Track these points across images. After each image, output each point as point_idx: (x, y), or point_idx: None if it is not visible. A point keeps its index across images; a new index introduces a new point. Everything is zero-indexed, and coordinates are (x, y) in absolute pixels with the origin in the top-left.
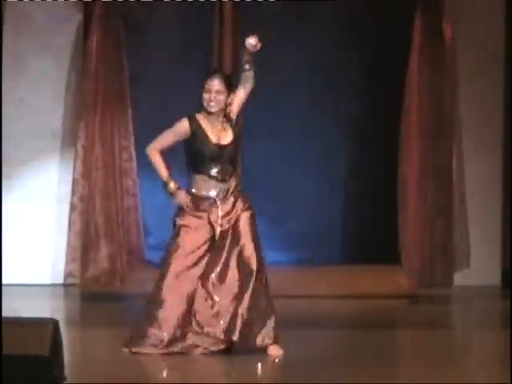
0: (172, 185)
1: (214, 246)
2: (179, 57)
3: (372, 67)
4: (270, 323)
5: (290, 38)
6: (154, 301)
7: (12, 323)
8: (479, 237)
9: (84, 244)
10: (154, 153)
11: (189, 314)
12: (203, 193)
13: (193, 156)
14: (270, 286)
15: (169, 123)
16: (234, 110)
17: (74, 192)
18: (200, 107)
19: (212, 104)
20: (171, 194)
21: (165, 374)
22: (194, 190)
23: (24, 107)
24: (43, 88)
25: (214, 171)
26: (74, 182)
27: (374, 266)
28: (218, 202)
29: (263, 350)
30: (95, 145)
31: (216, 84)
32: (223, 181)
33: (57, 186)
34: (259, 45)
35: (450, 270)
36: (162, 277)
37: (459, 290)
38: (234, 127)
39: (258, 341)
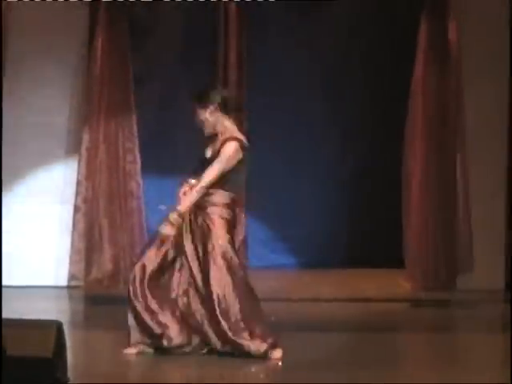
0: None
1: None
2: (184, 59)
3: (377, 70)
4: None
5: (295, 41)
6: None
7: (16, 325)
8: (483, 240)
9: (88, 246)
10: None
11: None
12: None
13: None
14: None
15: (173, 126)
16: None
17: (77, 194)
18: None
19: (205, 130)
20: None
21: (167, 376)
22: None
23: (28, 109)
24: (48, 90)
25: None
26: (78, 183)
27: (377, 270)
28: None
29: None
30: (99, 147)
31: (198, 114)
32: None
33: (61, 187)
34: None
35: (453, 273)
36: None
37: (462, 293)
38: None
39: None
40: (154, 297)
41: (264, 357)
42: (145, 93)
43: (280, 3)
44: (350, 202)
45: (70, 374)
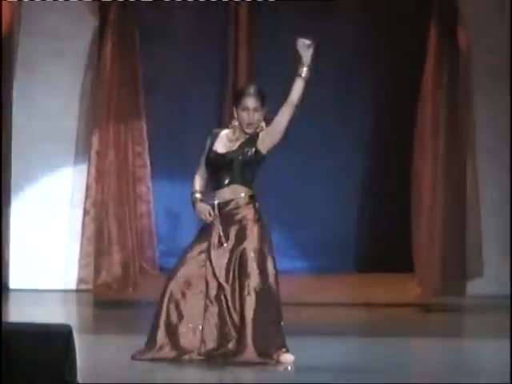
0: None
1: None
2: (194, 63)
3: (386, 76)
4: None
5: None
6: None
7: (25, 329)
8: (492, 246)
9: (97, 250)
10: None
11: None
12: None
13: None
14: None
15: (183, 129)
16: (265, 146)
17: (87, 197)
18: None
19: (250, 125)
20: None
21: (175, 381)
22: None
23: (38, 112)
24: (58, 93)
25: None
26: (88, 187)
27: (387, 275)
28: None
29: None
30: (109, 151)
31: (252, 102)
32: None
33: (70, 191)
34: (308, 44)
35: (462, 278)
36: None
37: (472, 298)
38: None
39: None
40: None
41: (276, 361)
42: (154, 97)
43: (294, 11)
44: (361, 207)
45: (79, 377)
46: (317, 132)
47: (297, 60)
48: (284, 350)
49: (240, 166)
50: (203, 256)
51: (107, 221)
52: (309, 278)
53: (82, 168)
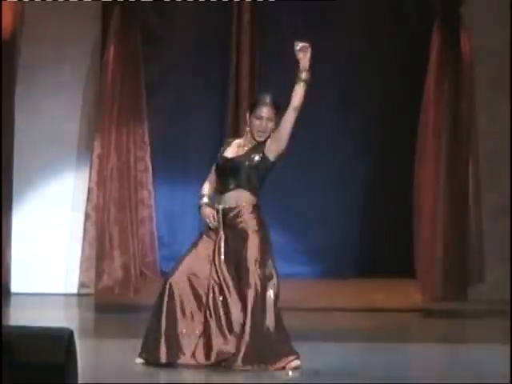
0: None
1: None
2: (196, 67)
3: (389, 80)
4: None
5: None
6: None
7: (26, 332)
8: (494, 251)
9: (98, 254)
10: None
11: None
12: None
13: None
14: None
15: (185, 134)
16: (271, 152)
17: (88, 201)
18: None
19: (261, 134)
20: None
21: None
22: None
23: (40, 115)
24: (60, 97)
25: None
26: (89, 191)
27: (388, 280)
28: None
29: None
30: (111, 155)
31: (267, 111)
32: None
33: (72, 195)
34: (305, 47)
35: (464, 284)
36: None
37: (473, 304)
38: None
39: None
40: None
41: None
42: (157, 101)
43: (297, 16)
44: (362, 212)
45: (80, 381)
46: (318, 137)
47: (296, 63)
48: (292, 357)
49: (246, 171)
50: (209, 255)
51: (108, 225)
52: (310, 282)
53: (84, 172)
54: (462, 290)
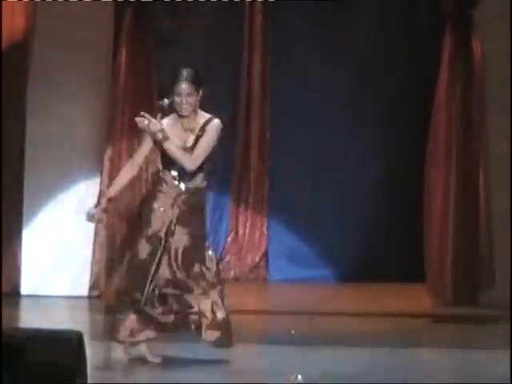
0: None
1: None
2: (207, 71)
3: (401, 81)
4: None
5: (319, 52)
6: None
7: (36, 335)
8: (504, 255)
9: (108, 256)
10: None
11: None
12: None
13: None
14: None
15: None
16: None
17: (99, 204)
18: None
19: (184, 107)
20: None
21: None
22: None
23: (52, 119)
24: (71, 100)
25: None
26: (101, 193)
27: (397, 284)
28: None
29: None
30: (122, 157)
31: (185, 87)
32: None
33: (83, 197)
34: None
35: (474, 288)
36: None
37: (483, 308)
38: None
39: None
40: None
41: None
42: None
43: (307, 17)
44: (372, 216)
45: (89, 381)
46: (329, 138)
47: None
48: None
49: None
50: None
51: (119, 227)
52: (319, 287)
53: (95, 175)
54: (471, 295)
